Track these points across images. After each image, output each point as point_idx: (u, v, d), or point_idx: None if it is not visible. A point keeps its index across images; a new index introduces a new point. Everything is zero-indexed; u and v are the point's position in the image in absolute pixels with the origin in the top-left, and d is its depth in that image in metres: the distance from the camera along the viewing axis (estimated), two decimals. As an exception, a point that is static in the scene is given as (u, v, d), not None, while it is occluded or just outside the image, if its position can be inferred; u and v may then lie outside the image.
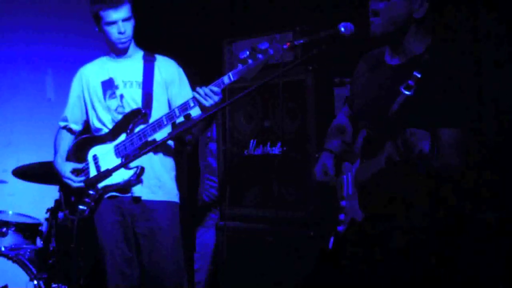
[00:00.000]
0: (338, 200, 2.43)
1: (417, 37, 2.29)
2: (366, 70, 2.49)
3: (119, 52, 3.29)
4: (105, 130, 3.28)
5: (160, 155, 3.26)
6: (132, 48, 3.31)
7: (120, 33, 3.17)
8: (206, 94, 2.93)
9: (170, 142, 3.33)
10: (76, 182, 3.22)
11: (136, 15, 3.22)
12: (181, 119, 3.11)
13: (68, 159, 3.34)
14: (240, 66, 2.86)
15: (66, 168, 3.27)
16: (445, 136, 2.14)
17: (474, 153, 2.29)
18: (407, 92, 2.13)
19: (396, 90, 2.18)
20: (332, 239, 2.41)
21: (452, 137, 2.14)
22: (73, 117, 3.41)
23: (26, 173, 4.10)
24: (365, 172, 2.29)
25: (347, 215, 2.34)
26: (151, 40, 3.62)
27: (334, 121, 2.76)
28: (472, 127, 2.23)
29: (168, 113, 3.08)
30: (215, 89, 2.94)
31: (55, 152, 3.38)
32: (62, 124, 3.43)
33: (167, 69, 3.31)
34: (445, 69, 2.18)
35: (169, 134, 3.26)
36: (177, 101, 3.24)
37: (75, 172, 3.26)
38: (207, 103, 2.94)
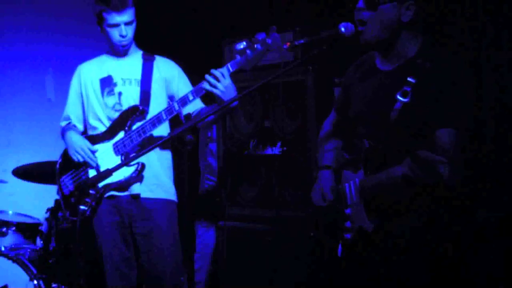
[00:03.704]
0: (343, 208, 2.42)
1: (409, 41, 2.28)
2: (358, 76, 2.48)
3: (119, 53, 3.29)
4: (101, 128, 3.27)
5: (158, 154, 3.26)
6: (132, 48, 3.31)
7: (121, 36, 3.17)
8: (216, 79, 2.86)
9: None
10: (95, 161, 3.19)
11: (137, 16, 3.22)
12: (191, 109, 3.10)
13: (64, 161, 3.34)
14: (238, 57, 2.85)
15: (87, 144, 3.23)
16: (443, 137, 2.15)
17: (472, 154, 2.29)
18: (403, 99, 2.13)
19: (393, 97, 2.18)
20: (340, 247, 2.41)
21: (450, 137, 2.14)
22: (75, 115, 3.40)
23: (26, 173, 4.09)
24: (374, 185, 2.28)
25: (353, 223, 2.34)
26: (151, 40, 3.63)
27: (322, 132, 2.73)
28: (470, 127, 2.23)
29: (167, 107, 3.07)
30: (224, 71, 2.88)
31: (68, 137, 3.30)
32: (64, 123, 3.41)
33: (166, 67, 3.31)
34: (438, 71, 2.18)
35: (169, 134, 3.27)
36: (180, 92, 3.24)
37: (76, 168, 3.25)
38: (218, 91, 2.87)
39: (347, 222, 2.36)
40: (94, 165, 3.19)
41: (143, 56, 3.32)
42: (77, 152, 3.22)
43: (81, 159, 3.21)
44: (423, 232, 2.21)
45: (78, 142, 3.24)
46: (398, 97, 2.15)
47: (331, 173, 2.53)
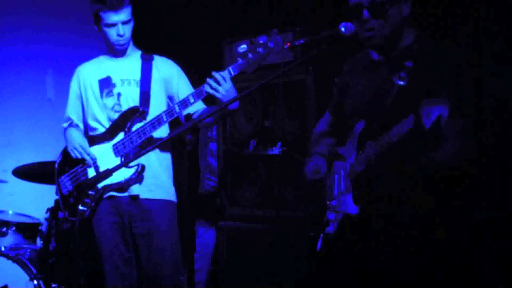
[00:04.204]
0: (328, 200, 2.43)
1: (407, 33, 2.33)
2: (354, 75, 2.50)
3: (117, 53, 3.29)
4: (101, 129, 3.27)
5: (158, 154, 3.26)
6: (130, 48, 3.31)
7: (119, 35, 3.17)
8: (217, 82, 2.86)
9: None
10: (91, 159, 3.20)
11: (136, 16, 3.22)
12: (192, 110, 3.12)
13: (63, 160, 3.34)
14: (240, 60, 2.84)
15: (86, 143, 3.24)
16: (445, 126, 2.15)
17: (474, 143, 2.29)
18: (400, 82, 2.14)
19: (390, 82, 2.19)
20: (320, 241, 2.41)
21: (452, 125, 2.14)
22: (75, 116, 3.41)
23: (26, 173, 4.09)
24: (365, 158, 2.27)
25: (338, 213, 2.34)
26: (151, 40, 3.63)
27: (316, 129, 2.75)
28: (468, 114, 2.22)
29: (167, 109, 3.07)
30: (225, 74, 2.87)
31: (68, 133, 3.33)
32: (66, 124, 3.41)
33: (165, 67, 3.31)
34: (435, 56, 2.20)
35: (169, 134, 3.27)
36: (179, 98, 3.24)
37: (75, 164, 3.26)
38: (219, 94, 2.87)
39: (330, 214, 2.36)
40: (91, 162, 3.20)
41: (142, 56, 3.32)
42: (75, 148, 3.23)
43: (78, 156, 3.22)
44: (419, 230, 2.21)
45: (77, 139, 3.25)
46: (396, 80, 2.16)
47: (323, 157, 2.54)
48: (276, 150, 3.70)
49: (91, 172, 3.23)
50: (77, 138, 3.26)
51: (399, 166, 2.17)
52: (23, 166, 4.12)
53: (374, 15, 2.24)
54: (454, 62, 2.19)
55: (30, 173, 4.07)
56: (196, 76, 3.31)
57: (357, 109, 2.42)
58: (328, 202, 2.42)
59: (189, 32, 4.58)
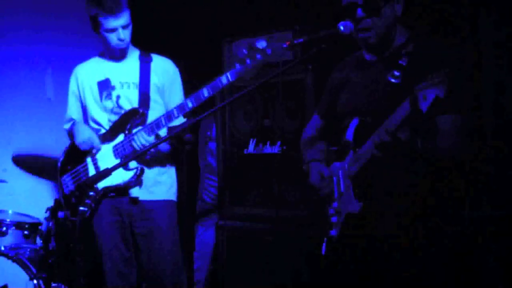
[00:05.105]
0: (329, 203, 2.42)
1: (399, 32, 2.36)
2: (348, 74, 2.50)
3: (117, 55, 3.28)
4: (102, 131, 3.27)
5: (158, 153, 3.25)
6: (129, 48, 3.30)
7: (120, 40, 3.16)
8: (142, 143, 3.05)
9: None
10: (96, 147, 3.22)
11: (135, 16, 3.21)
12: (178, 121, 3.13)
13: (64, 161, 3.34)
14: (238, 66, 2.85)
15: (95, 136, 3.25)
16: (443, 123, 2.16)
17: (473, 139, 2.30)
18: (394, 81, 2.15)
19: (385, 80, 2.20)
20: (324, 245, 2.40)
21: (449, 122, 2.15)
22: (76, 116, 3.41)
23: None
24: (358, 160, 2.28)
25: (340, 215, 2.33)
26: (150, 40, 3.63)
27: (305, 135, 2.76)
28: (467, 111, 2.23)
29: (166, 113, 3.08)
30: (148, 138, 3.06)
31: (76, 128, 3.33)
32: (68, 125, 3.41)
33: (163, 70, 3.30)
34: (433, 55, 2.21)
35: (168, 133, 3.27)
36: (171, 102, 3.24)
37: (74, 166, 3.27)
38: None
39: (333, 217, 2.36)
40: (99, 148, 3.21)
41: (140, 57, 3.31)
42: (84, 142, 3.22)
43: (88, 147, 3.20)
44: (419, 229, 2.21)
45: (86, 132, 3.24)
46: (390, 79, 2.18)
47: (321, 162, 2.54)
48: (276, 150, 3.70)
49: (92, 172, 3.23)
50: (86, 131, 3.25)
51: (399, 160, 2.18)
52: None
53: (368, 13, 2.25)
54: (453, 60, 2.19)
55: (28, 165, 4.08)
56: (196, 77, 3.31)
57: (353, 108, 2.42)
58: (329, 206, 2.41)
59: (189, 32, 4.58)
